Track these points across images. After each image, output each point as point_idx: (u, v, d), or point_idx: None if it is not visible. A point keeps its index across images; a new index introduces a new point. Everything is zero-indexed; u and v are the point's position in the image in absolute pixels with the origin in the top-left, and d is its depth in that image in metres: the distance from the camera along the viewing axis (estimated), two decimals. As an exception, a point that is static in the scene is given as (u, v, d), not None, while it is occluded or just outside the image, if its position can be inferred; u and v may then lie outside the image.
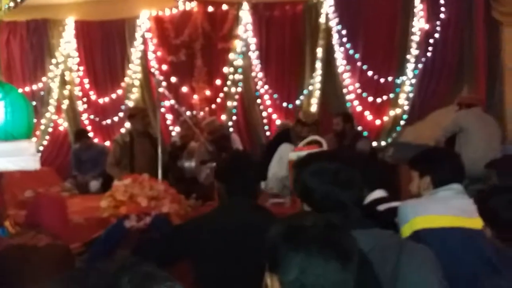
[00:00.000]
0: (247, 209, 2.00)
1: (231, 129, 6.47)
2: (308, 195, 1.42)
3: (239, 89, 6.61)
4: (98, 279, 0.55)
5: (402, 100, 6.24)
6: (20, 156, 3.71)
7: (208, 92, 6.66)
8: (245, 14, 6.51)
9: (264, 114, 6.58)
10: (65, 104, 6.98)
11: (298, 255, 0.96)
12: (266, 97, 6.58)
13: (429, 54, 6.15)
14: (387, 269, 1.24)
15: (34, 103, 6.41)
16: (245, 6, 6.49)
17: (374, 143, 5.96)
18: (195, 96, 6.66)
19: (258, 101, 6.59)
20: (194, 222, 2.06)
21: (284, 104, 6.56)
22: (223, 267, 1.87)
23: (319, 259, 0.95)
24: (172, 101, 6.16)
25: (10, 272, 1.80)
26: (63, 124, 7.07)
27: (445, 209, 1.97)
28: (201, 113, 6.57)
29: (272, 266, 1.00)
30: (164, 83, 6.31)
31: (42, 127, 6.95)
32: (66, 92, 6.96)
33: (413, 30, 6.16)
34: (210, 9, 6.54)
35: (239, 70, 6.57)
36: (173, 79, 6.65)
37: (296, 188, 1.48)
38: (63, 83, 6.95)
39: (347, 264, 0.97)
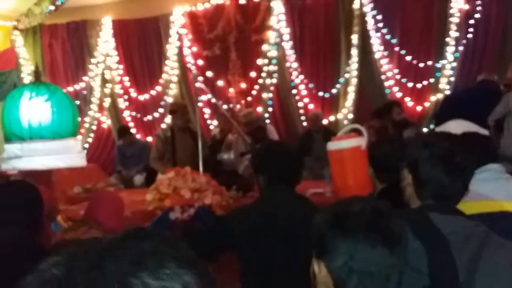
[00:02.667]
0: (288, 197, 2.00)
1: (267, 121, 6.49)
2: (414, 164, 1.39)
3: (274, 81, 6.61)
4: (82, 260, 0.49)
5: (443, 84, 6.06)
6: (67, 154, 3.87)
7: (243, 85, 6.70)
8: (277, 4, 6.48)
9: (300, 104, 6.56)
10: (107, 102, 7.20)
11: (345, 241, 0.97)
12: (301, 87, 6.55)
13: (469, 35, 5.94)
14: (464, 258, 1.20)
15: (77, 102, 6.64)
16: (277, -4, 6.46)
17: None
18: (231, 90, 6.72)
19: (294, 91, 6.56)
20: (237, 213, 2.09)
21: (320, 94, 6.50)
22: (268, 257, 1.90)
23: (366, 244, 0.96)
24: (209, 95, 6.24)
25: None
26: (106, 122, 7.30)
27: (493, 193, 1.89)
28: (238, 106, 6.62)
29: (319, 253, 1.01)
30: (200, 78, 6.39)
31: (86, 125, 7.20)
32: (107, 91, 7.18)
33: (452, 11, 5.95)
34: (242, 1, 6.55)
35: (273, 61, 6.56)
36: (209, 74, 6.73)
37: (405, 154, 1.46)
38: (104, 81, 7.17)
39: (394, 249, 0.97)
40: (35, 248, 1.62)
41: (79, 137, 4.43)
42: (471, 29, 5.93)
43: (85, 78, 7.19)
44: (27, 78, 6.88)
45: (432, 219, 1.25)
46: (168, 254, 0.51)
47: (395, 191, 1.71)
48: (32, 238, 1.67)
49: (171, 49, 6.88)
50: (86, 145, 7.08)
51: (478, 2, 5.90)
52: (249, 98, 6.67)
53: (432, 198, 1.35)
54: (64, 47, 7.26)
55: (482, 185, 1.85)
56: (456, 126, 2.08)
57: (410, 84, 6.17)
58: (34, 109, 3.70)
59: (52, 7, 6.43)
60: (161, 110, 6.96)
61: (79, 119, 4.94)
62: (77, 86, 7.22)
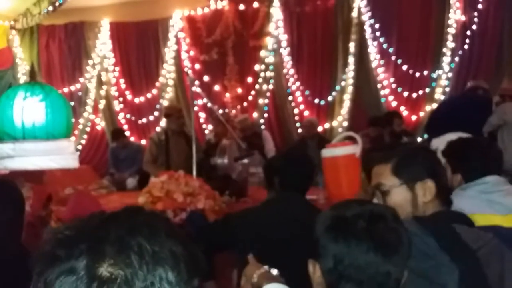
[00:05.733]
0: (298, 204, 2.00)
1: (262, 127, 6.48)
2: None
3: (271, 87, 6.61)
4: (89, 223, 0.59)
5: (439, 94, 6.08)
6: (60, 155, 3.85)
7: (240, 90, 6.69)
8: (276, 11, 6.50)
9: (296, 111, 6.56)
10: (102, 104, 7.17)
11: (336, 246, 0.96)
12: (297, 94, 6.55)
13: (466, 46, 5.97)
14: (492, 273, 1.19)
15: (72, 103, 6.61)
16: (276, 2, 6.48)
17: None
18: (227, 94, 6.71)
19: (290, 98, 6.57)
20: (244, 215, 2.08)
21: (316, 101, 6.51)
22: (270, 259, 1.88)
23: (357, 250, 0.94)
24: (205, 100, 6.23)
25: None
26: (100, 124, 7.27)
27: (478, 207, 1.83)
28: (233, 111, 6.61)
29: (314, 254, 1.01)
30: (197, 82, 6.39)
31: (80, 126, 7.16)
32: (102, 92, 7.16)
33: (449, 22, 5.99)
34: (241, 7, 6.57)
35: (271, 68, 6.57)
36: (206, 78, 6.72)
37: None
38: (100, 83, 7.15)
39: (389, 257, 0.94)
40: (18, 249, 1.60)
41: (73, 138, 4.41)
42: (467, 40, 5.97)
43: (81, 79, 7.17)
44: (23, 78, 6.85)
45: (460, 233, 1.22)
46: (159, 226, 0.60)
47: None
48: (14, 238, 1.65)
49: (168, 53, 6.88)
50: (80, 147, 7.04)
51: (475, 14, 5.94)
52: (245, 104, 6.67)
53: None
54: (61, 48, 7.24)
55: (477, 198, 1.81)
56: (453, 138, 2.07)
57: (405, 93, 6.19)
58: (28, 109, 3.68)
59: (50, 8, 6.42)
60: (156, 113, 6.94)
61: (73, 120, 4.92)
62: (72, 87, 7.19)
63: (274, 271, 1.31)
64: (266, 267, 1.32)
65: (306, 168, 2.09)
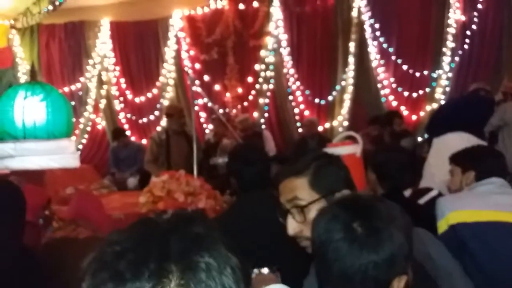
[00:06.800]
0: (261, 202, 1.87)
1: (263, 126, 6.49)
2: None
3: (271, 86, 6.62)
4: (149, 236, 0.56)
5: (439, 94, 6.09)
6: (61, 154, 3.85)
7: (240, 90, 6.70)
8: (276, 11, 6.50)
9: (296, 110, 6.57)
10: (103, 103, 7.17)
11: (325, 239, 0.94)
12: (298, 93, 6.56)
13: (466, 46, 5.98)
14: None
15: (73, 103, 6.61)
16: (276, 2, 6.48)
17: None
18: (228, 94, 6.71)
19: (290, 97, 6.57)
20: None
21: (316, 100, 6.52)
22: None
23: (342, 244, 0.91)
24: (205, 99, 6.24)
25: (53, 264, 1.88)
26: (101, 123, 7.27)
27: (484, 204, 1.92)
28: (234, 111, 6.62)
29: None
30: (197, 82, 6.40)
31: (81, 126, 7.17)
32: (103, 92, 7.16)
33: (449, 22, 6.00)
34: (241, 6, 6.57)
35: (271, 67, 6.57)
36: (206, 78, 6.73)
37: None
38: (100, 83, 7.15)
39: (367, 247, 0.90)
40: (19, 249, 1.61)
41: (74, 138, 4.41)
42: (467, 40, 5.97)
43: (81, 79, 7.17)
44: (23, 77, 6.85)
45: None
46: (217, 237, 0.57)
47: (396, 197, 1.69)
48: (16, 239, 1.66)
49: (168, 52, 6.88)
50: (80, 146, 7.04)
51: (475, 14, 5.94)
52: (245, 103, 6.67)
53: None
54: (61, 47, 7.24)
55: (483, 196, 1.92)
56: (456, 138, 2.12)
57: (406, 93, 6.20)
58: (29, 108, 3.68)
59: (50, 7, 6.43)
60: (156, 113, 6.95)
61: (74, 119, 4.93)
62: (73, 87, 7.19)
63: (265, 270, 1.28)
64: (255, 270, 1.28)
65: (262, 164, 1.98)
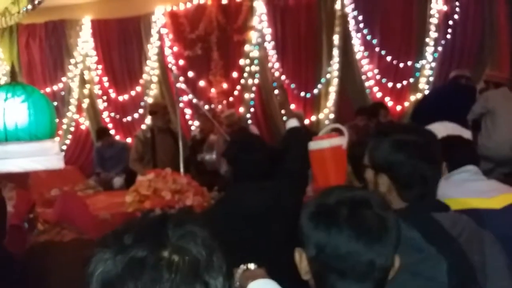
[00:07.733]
0: (252, 194, 1.88)
1: (249, 121, 6.47)
2: (390, 168, 1.30)
3: (256, 81, 6.60)
4: (147, 224, 0.67)
5: (423, 84, 6.14)
6: (44, 156, 3.78)
7: (225, 85, 6.66)
8: (259, 5, 6.47)
9: (282, 104, 6.55)
10: (86, 103, 7.08)
11: (318, 234, 0.95)
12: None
13: (448, 36, 6.03)
14: (475, 259, 1.20)
15: (55, 103, 6.51)
16: (259, -4, 6.45)
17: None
18: (213, 90, 6.67)
19: (276, 92, 6.56)
20: (205, 214, 2.04)
21: (302, 94, 6.52)
22: (241, 259, 1.86)
23: (338, 239, 0.92)
24: (190, 96, 6.19)
25: (37, 268, 1.85)
26: (85, 123, 7.18)
27: (460, 192, 1.94)
28: (219, 107, 6.59)
29: (300, 242, 1.00)
30: (181, 78, 6.34)
31: (64, 126, 7.07)
32: (86, 91, 7.06)
33: (431, 12, 6.03)
34: (224, 1, 6.52)
35: (256, 62, 6.55)
36: (190, 74, 6.67)
37: (375, 159, 1.35)
38: (83, 82, 7.05)
39: (371, 245, 0.92)
40: (1, 254, 1.58)
41: (57, 138, 4.34)
42: (449, 30, 6.02)
43: (63, 78, 7.06)
44: (3, 79, 6.72)
45: (441, 222, 1.22)
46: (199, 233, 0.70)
47: None
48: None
49: (151, 49, 6.81)
50: (64, 147, 6.95)
51: (457, 4, 5.99)
52: (231, 99, 6.64)
53: (419, 197, 1.31)
54: (41, 47, 7.11)
55: (459, 184, 1.94)
56: (440, 128, 2.13)
57: (390, 84, 6.23)
58: (10, 110, 3.61)
59: (29, 7, 6.30)
60: (141, 110, 6.88)
61: (57, 120, 4.85)
62: (55, 87, 7.08)
63: (252, 266, 1.27)
64: (242, 266, 1.27)
65: (261, 153, 1.98)
